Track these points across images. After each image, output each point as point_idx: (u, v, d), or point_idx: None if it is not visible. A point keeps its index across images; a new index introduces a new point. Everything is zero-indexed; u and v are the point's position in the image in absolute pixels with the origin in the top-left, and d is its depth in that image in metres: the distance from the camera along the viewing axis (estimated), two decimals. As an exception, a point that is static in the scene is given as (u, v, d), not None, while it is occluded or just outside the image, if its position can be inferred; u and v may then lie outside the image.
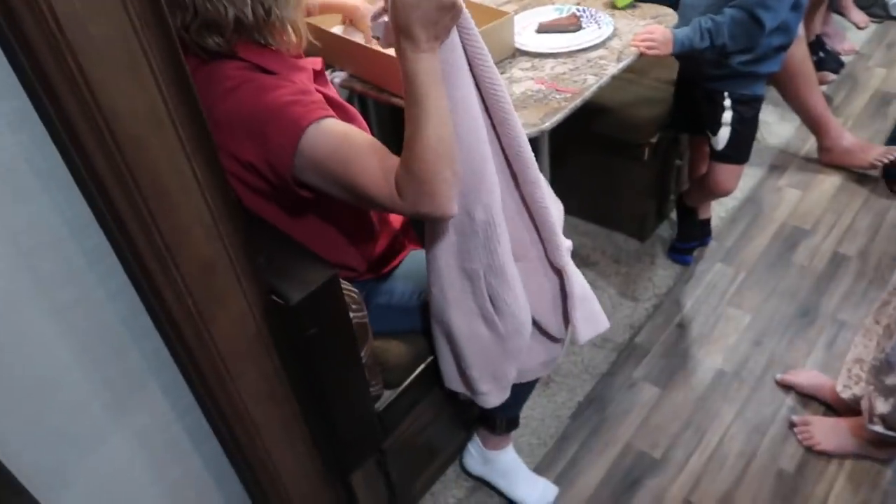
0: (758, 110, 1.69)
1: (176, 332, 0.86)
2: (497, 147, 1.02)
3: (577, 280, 1.16)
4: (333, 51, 1.46)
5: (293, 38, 1.03)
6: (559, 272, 1.14)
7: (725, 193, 1.85)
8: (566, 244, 1.15)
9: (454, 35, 0.90)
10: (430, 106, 0.88)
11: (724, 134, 1.69)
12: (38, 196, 0.68)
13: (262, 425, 1.01)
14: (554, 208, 1.15)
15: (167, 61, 0.69)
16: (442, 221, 1.01)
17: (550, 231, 1.09)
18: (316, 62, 1.09)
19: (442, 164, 0.89)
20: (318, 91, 1.03)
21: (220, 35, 0.97)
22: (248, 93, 0.96)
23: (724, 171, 1.76)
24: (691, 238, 2.05)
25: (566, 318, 1.18)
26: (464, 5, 0.88)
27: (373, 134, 1.03)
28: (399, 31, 0.86)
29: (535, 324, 1.18)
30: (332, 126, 0.95)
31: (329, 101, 1.04)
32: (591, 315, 1.20)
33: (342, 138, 0.94)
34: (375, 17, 0.95)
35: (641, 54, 1.50)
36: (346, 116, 1.06)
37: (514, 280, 1.09)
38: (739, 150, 1.72)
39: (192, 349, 0.88)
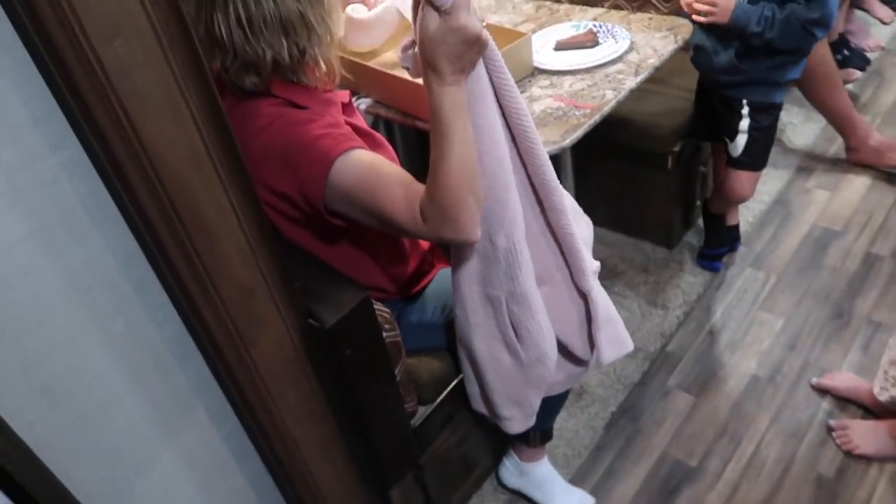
0: (776, 118, 1.70)
1: (219, 355, 0.91)
2: (523, 174, 1.04)
3: (602, 303, 1.18)
4: (359, 78, 1.51)
5: (325, 75, 1.08)
6: (584, 295, 1.16)
7: (741, 200, 1.85)
8: (593, 267, 1.17)
9: (480, 66, 0.93)
10: (454, 136, 0.91)
11: (740, 141, 1.69)
12: (91, 236, 0.74)
13: (303, 443, 1.05)
14: (583, 229, 1.18)
15: (205, 104, 0.74)
16: (465, 246, 1.05)
17: (576, 256, 1.11)
18: (344, 95, 1.14)
19: (465, 192, 0.92)
20: (346, 122, 1.08)
21: (258, 75, 1.02)
22: (280, 128, 1.02)
23: (739, 177, 1.76)
24: (720, 244, 2.04)
25: (591, 340, 1.20)
26: (490, 38, 0.91)
27: (399, 157, 1.08)
28: (426, 64, 0.89)
29: (560, 345, 1.20)
30: (360, 156, 0.99)
31: (357, 130, 1.08)
32: (616, 337, 1.22)
33: (369, 168, 0.99)
34: (405, 48, 0.99)
35: (693, 19, 1.53)
36: (373, 144, 1.10)
37: (538, 308, 1.11)
38: (755, 158, 1.73)
39: (234, 371, 0.92)
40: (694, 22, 1.61)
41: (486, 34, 0.89)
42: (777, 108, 1.68)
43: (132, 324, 0.82)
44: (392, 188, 0.97)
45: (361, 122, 1.17)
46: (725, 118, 1.70)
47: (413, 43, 0.95)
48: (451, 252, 1.09)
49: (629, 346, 1.25)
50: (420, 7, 0.88)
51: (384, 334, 1.08)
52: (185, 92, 0.73)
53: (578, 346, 1.20)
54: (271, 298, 0.91)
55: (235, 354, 0.90)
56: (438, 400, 1.29)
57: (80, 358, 0.78)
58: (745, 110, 1.65)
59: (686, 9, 1.56)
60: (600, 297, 1.17)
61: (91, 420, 0.82)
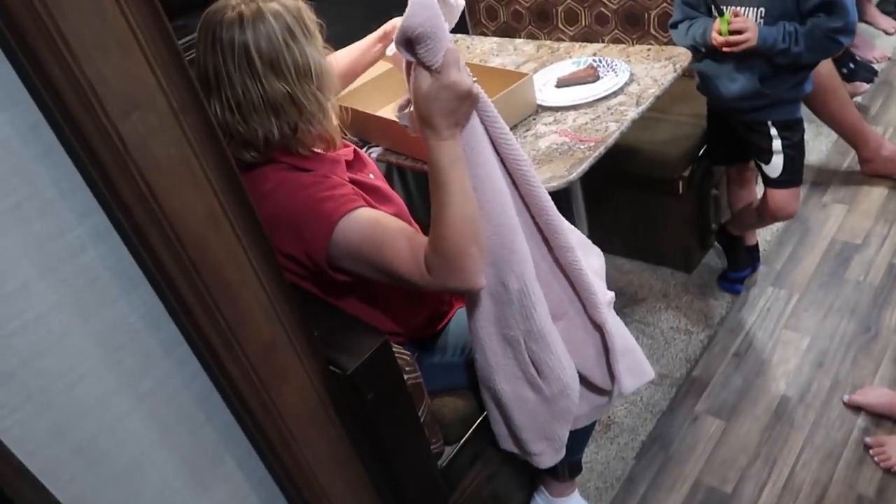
0: (803, 131, 1.70)
1: (244, 407, 0.93)
2: (527, 216, 1.08)
3: (618, 333, 1.20)
4: (367, 128, 1.56)
5: (323, 142, 1.13)
6: (599, 327, 1.17)
7: (789, 217, 1.84)
8: (606, 298, 1.19)
9: (475, 119, 0.97)
10: (453, 189, 0.95)
11: (777, 162, 1.69)
12: (118, 299, 0.77)
13: (330, 489, 1.06)
14: (593, 261, 1.19)
15: (220, 169, 0.78)
16: (472, 293, 1.07)
17: (587, 290, 1.13)
18: (348, 153, 1.18)
19: (467, 242, 0.95)
20: (351, 178, 1.12)
21: (256, 150, 1.08)
22: (285, 193, 1.06)
23: (783, 196, 1.75)
24: (742, 266, 2.04)
25: (610, 371, 1.21)
26: (481, 91, 0.95)
27: (410, 200, 1.11)
28: (422, 121, 0.93)
29: (581, 377, 1.21)
30: (363, 215, 1.04)
31: (363, 186, 1.12)
32: (636, 366, 1.23)
33: (374, 225, 1.03)
34: (402, 108, 1.04)
35: (724, 52, 1.53)
36: (380, 198, 1.14)
37: (556, 343, 1.13)
38: (795, 174, 1.72)
39: (260, 421, 0.94)
40: (704, 54, 1.63)
41: (477, 88, 0.93)
42: (801, 122, 1.69)
43: (160, 381, 0.85)
44: (396, 243, 1.00)
45: (367, 176, 1.21)
46: (753, 142, 1.71)
47: (409, 102, 1.00)
48: (465, 298, 1.12)
49: (650, 374, 1.25)
50: (413, 68, 0.93)
51: (405, 377, 1.10)
52: (201, 159, 0.77)
53: (598, 377, 1.21)
54: (293, 349, 0.94)
55: (260, 405, 0.93)
56: (464, 439, 1.30)
57: (111, 418, 0.81)
58: (774, 131, 1.66)
59: (719, 47, 1.55)
60: (615, 328, 1.18)
61: (125, 478, 0.84)
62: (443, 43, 0.90)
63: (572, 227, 1.17)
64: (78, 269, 0.73)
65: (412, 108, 0.97)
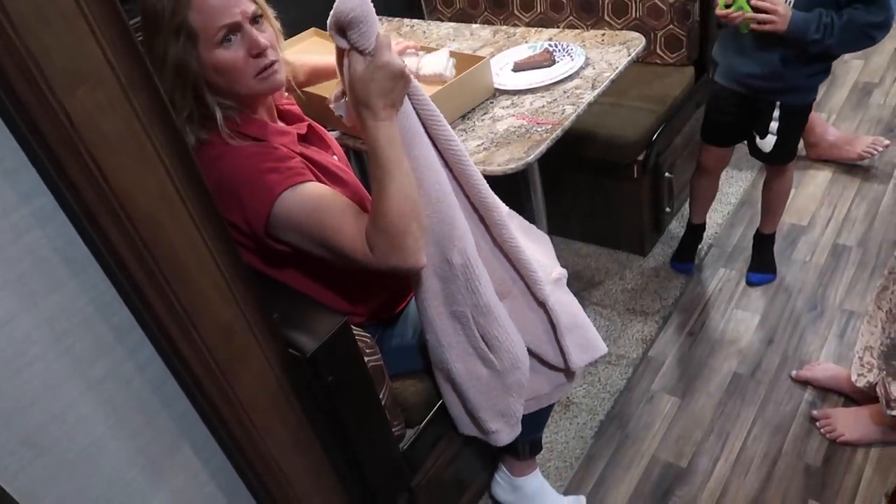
0: (808, 114, 1.72)
1: (202, 393, 0.91)
2: (462, 196, 1.10)
3: (565, 310, 1.22)
4: (323, 113, 1.54)
5: (263, 112, 1.12)
6: (543, 304, 1.19)
7: (788, 191, 1.89)
8: (553, 275, 1.21)
9: (407, 103, 0.99)
10: (392, 168, 0.96)
11: (769, 140, 1.71)
12: (67, 282, 0.75)
13: (291, 474, 1.05)
14: (534, 243, 1.22)
15: (172, 145, 0.76)
16: (413, 272, 1.08)
17: (527, 268, 1.16)
18: (302, 126, 1.17)
19: (407, 220, 0.97)
20: (303, 153, 1.11)
21: (196, 124, 1.06)
22: (228, 161, 1.05)
23: (784, 170, 1.80)
24: (768, 269, 2.04)
25: (561, 347, 1.23)
26: (412, 76, 0.98)
27: (367, 185, 1.10)
28: (358, 105, 0.95)
29: (534, 355, 1.23)
30: (308, 189, 1.03)
31: (315, 163, 1.11)
32: (586, 342, 1.26)
33: (317, 200, 1.02)
34: (337, 98, 1.05)
35: (751, 28, 1.48)
36: (333, 178, 1.13)
37: (503, 317, 1.16)
38: (788, 152, 1.75)
39: (219, 408, 0.93)
40: (729, 29, 1.59)
41: (408, 70, 0.95)
42: (810, 108, 1.70)
43: (112, 368, 0.82)
44: (341, 219, 1.01)
45: (331, 157, 1.20)
46: (755, 117, 1.71)
47: (343, 93, 1.02)
48: (412, 279, 1.12)
49: (601, 349, 1.28)
50: (346, 55, 0.95)
51: (366, 359, 1.09)
52: (151, 135, 0.75)
53: (550, 354, 1.23)
54: (251, 333, 0.92)
55: (218, 391, 0.91)
56: (425, 421, 1.30)
57: (61, 405, 0.78)
58: (776, 113, 1.66)
59: (731, 21, 1.49)
60: (561, 305, 1.20)
61: (76, 467, 0.82)
62: (374, 27, 0.93)
63: (512, 211, 1.20)
64: (23, 250, 0.71)
65: (346, 99, 0.99)
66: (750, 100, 1.70)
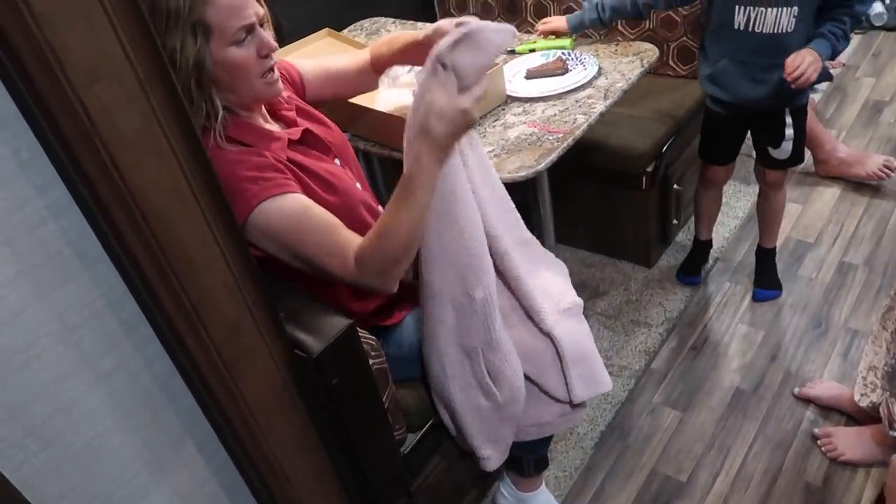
0: (807, 111, 1.73)
1: (207, 390, 0.91)
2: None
3: (571, 340, 1.21)
4: (335, 114, 1.54)
5: (255, 115, 1.12)
6: (548, 335, 1.20)
7: (784, 203, 1.91)
8: (564, 304, 1.21)
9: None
10: (418, 203, 0.98)
11: (787, 147, 1.72)
12: (79, 275, 0.75)
13: (293, 475, 1.05)
14: (548, 270, 1.23)
15: (186, 142, 0.77)
16: (432, 306, 1.12)
17: (527, 297, 1.17)
18: (294, 132, 1.15)
19: (405, 254, 1.01)
20: (291, 158, 1.10)
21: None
22: (214, 164, 1.04)
23: (785, 175, 1.82)
24: (773, 285, 2.03)
25: (565, 377, 1.23)
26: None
27: (376, 186, 1.11)
28: (423, 131, 0.95)
29: (535, 384, 1.23)
30: (288, 202, 1.04)
31: (305, 169, 1.11)
32: (591, 375, 1.25)
33: (300, 213, 1.04)
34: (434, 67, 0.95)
35: (797, 85, 1.48)
36: (324, 185, 1.13)
37: (510, 352, 1.17)
38: (799, 153, 1.75)
39: (224, 406, 0.93)
40: (719, 56, 1.62)
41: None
42: (808, 104, 1.72)
43: (120, 362, 0.83)
44: (322, 234, 1.03)
45: (322, 161, 1.17)
46: (767, 129, 1.71)
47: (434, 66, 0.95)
48: (425, 309, 1.14)
49: (606, 385, 1.28)
50: (434, 69, 0.92)
51: (371, 361, 1.09)
52: (166, 131, 0.75)
53: (552, 384, 1.23)
54: (258, 331, 0.92)
55: (224, 388, 0.91)
56: (427, 426, 1.30)
57: (68, 398, 0.78)
58: (789, 119, 1.67)
59: (801, 85, 1.49)
60: (567, 335, 1.20)
61: (80, 460, 0.82)
62: (486, 69, 0.93)
63: (531, 237, 1.21)
64: (37, 243, 0.71)
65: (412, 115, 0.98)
66: (756, 117, 1.71)
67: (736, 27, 1.54)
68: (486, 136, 1.50)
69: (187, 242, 0.80)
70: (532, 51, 1.77)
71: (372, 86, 1.39)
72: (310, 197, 1.08)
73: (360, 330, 1.07)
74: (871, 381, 1.53)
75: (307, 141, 1.18)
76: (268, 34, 1.07)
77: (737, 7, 1.52)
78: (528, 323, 1.19)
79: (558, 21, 1.79)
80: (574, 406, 1.28)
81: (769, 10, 1.50)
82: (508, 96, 1.61)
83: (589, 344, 1.26)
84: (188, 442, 0.94)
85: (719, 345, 1.90)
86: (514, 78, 1.67)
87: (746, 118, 1.73)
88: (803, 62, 1.46)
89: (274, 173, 1.06)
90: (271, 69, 1.08)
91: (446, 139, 0.94)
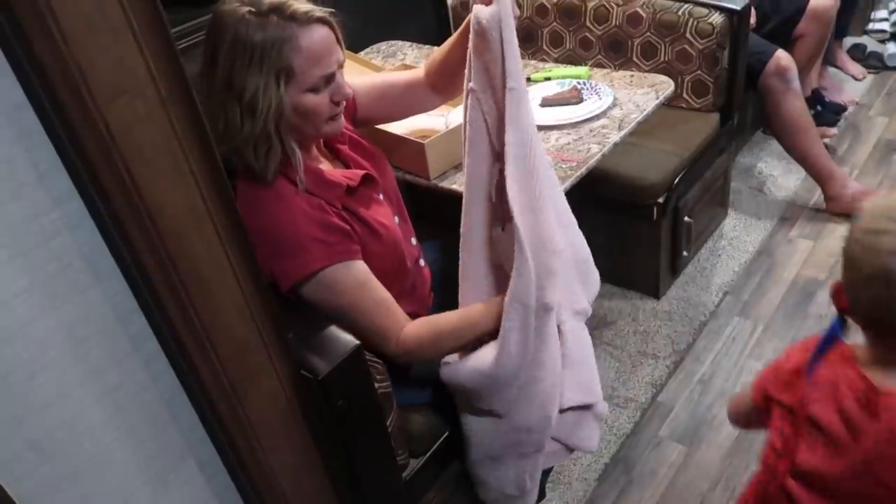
0: None
1: (212, 409, 0.90)
2: None
3: (576, 340, 1.23)
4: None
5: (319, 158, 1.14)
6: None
7: None
8: (578, 306, 1.21)
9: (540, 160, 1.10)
10: (479, 330, 1.13)
11: None
12: (91, 288, 0.75)
13: (294, 498, 1.04)
14: (579, 274, 1.28)
15: (205, 162, 0.77)
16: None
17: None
18: (354, 176, 1.14)
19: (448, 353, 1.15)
20: (346, 206, 1.10)
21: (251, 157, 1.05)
22: (280, 211, 1.04)
23: None
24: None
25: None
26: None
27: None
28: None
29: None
30: (350, 273, 1.07)
31: (357, 216, 1.11)
32: (586, 382, 1.26)
33: (358, 288, 1.08)
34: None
35: None
36: (369, 232, 1.13)
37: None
38: None
39: (227, 424, 0.92)
40: None
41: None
42: None
43: (126, 377, 0.82)
44: (372, 312, 1.09)
45: (371, 209, 1.17)
46: None
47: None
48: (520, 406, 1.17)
49: (596, 395, 1.27)
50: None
51: (376, 385, 1.08)
52: (185, 150, 0.76)
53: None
54: (265, 351, 0.92)
55: (228, 407, 0.90)
56: (429, 453, 1.28)
57: (72, 412, 0.78)
58: None
59: None
60: (574, 334, 1.21)
61: (81, 475, 0.81)
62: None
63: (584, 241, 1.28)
64: (50, 254, 0.71)
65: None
66: None
67: None
68: (500, 162, 1.51)
69: (200, 260, 0.80)
70: (548, 79, 1.78)
71: (427, 104, 1.32)
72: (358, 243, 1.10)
73: (366, 353, 1.06)
74: (881, 423, 1.50)
75: (365, 182, 1.16)
76: (344, 80, 1.07)
77: None
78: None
79: None
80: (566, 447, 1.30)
81: None
82: (523, 123, 1.62)
83: (588, 351, 1.26)
84: (190, 460, 0.93)
85: (727, 380, 1.88)
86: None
87: None
88: None
89: (339, 237, 1.07)
90: (340, 114, 1.09)
91: None
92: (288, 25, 0.98)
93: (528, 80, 1.81)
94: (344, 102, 1.09)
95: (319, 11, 1.02)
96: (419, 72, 1.28)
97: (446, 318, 1.13)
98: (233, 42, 0.97)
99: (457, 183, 1.46)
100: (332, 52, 1.03)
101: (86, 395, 0.78)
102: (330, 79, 1.04)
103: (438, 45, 2.12)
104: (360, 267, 1.07)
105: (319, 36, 1.01)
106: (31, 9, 0.62)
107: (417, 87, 1.28)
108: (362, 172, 1.16)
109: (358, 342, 1.01)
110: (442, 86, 1.27)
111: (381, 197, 1.21)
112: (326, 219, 1.06)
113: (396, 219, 1.23)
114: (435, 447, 1.29)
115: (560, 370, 1.17)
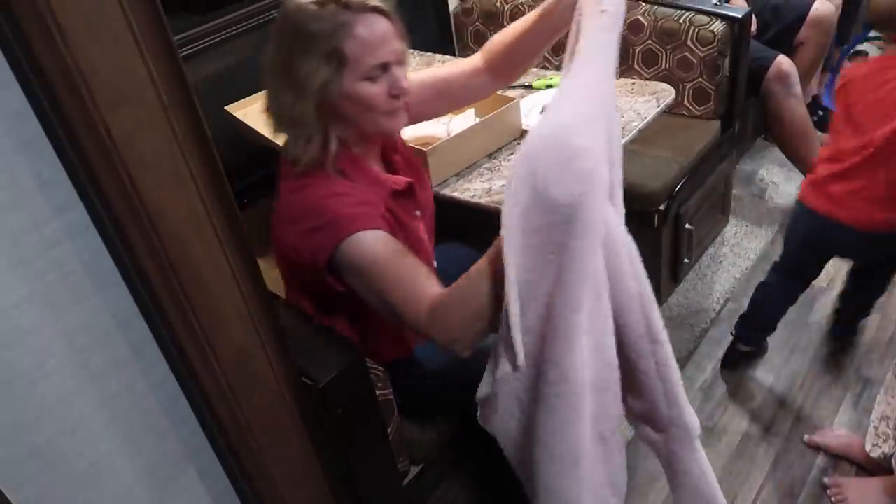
0: None
1: (212, 414, 0.90)
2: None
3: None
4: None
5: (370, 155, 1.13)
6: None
7: None
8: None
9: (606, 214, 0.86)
10: (506, 280, 0.84)
11: None
12: (91, 296, 0.75)
13: (294, 505, 1.03)
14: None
15: (206, 168, 0.77)
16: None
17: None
18: (400, 182, 1.14)
19: (483, 321, 0.90)
20: (392, 210, 1.09)
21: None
22: (316, 190, 1.05)
23: None
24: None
25: None
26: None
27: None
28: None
29: None
30: (383, 236, 1.01)
31: (402, 224, 1.10)
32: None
33: (390, 251, 1.00)
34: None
35: None
36: (413, 245, 1.11)
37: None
38: None
39: (227, 430, 0.92)
40: None
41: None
42: None
43: (127, 384, 0.82)
44: (405, 275, 0.98)
45: (410, 221, 1.16)
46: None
47: None
48: (554, 426, 0.92)
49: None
50: None
51: (377, 392, 1.08)
52: (187, 156, 0.75)
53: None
54: (266, 358, 0.92)
55: (228, 413, 0.90)
56: (430, 460, 1.28)
57: (74, 420, 0.78)
58: None
59: None
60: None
61: (81, 482, 0.81)
62: None
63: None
64: (51, 262, 0.71)
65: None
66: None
67: None
68: (502, 169, 1.51)
69: (201, 266, 0.80)
70: (549, 86, 1.78)
71: (483, 93, 1.30)
72: None
73: (367, 360, 1.06)
74: (883, 431, 1.50)
75: (407, 193, 1.16)
76: (403, 74, 1.06)
77: None
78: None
79: None
80: None
81: None
82: (524, 131, 1.62)
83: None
84: (190, 468, 0.93)
85: (728, 388, 1.87)
86: (530, 112, 1.68)
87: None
88: None
89: (374, 210, 1.04)
90: (399, 108, 1.08)
91: None
92: (343, 13, 1.00)
93: (529, 87, 1.81)
94: (402, 99, 1.07)
95: (376, 1, 1.03)
96: (475, 61, 1.26)
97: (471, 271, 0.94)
98: (293, 30, 1.01)
99: (458, 190, 1.47)
100: (388, 42, 1.03)
101: (87, 402, 0.78)
102: (385, 67, 1.03)
103: (440, 52, 2.14)
104: (392, 238, 1.03)
105: (374, 24, 1.02)
106: (31, 9, 0.62)
107: (475, 77, 1.26)
108: (407, 179, 1.16)
109: (358, 351, 1.01)
110: (507, 72, 1.26)
111: (418, 214, 1.20)
112: (362, 195, 1.05)
113: (425, 236, 1.23)
114: (436, 454, 1.29)
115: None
